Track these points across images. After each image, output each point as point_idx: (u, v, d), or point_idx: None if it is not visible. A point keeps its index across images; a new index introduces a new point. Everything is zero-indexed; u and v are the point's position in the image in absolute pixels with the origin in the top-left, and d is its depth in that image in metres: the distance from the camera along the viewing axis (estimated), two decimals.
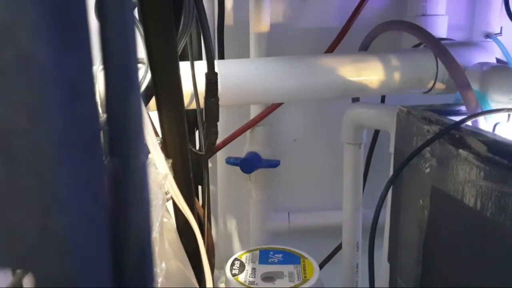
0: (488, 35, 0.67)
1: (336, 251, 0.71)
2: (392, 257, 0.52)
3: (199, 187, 0.55)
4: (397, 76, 0.52)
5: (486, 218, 0.34)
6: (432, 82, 0.52)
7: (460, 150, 0.37)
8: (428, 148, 0.41)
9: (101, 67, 0.10)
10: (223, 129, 0.69)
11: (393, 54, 0.53)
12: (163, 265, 0.28)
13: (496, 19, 0.67)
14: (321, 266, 0.71)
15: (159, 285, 0.27)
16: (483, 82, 0.43)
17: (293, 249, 0.58)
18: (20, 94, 0.08)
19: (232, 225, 0.76)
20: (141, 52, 0.40)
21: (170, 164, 0.40)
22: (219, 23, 0.62)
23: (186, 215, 0.38)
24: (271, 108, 0.65)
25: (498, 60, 0.59)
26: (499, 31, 0.66)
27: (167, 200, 0.39)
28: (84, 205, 0.08)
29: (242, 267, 0.54)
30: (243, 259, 0.56)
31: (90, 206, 0.08)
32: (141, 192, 0.10)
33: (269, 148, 0.68)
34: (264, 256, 0.56)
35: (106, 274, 0.09)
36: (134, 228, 0.09)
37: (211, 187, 0.71)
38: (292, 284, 0.50)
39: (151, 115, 0.52)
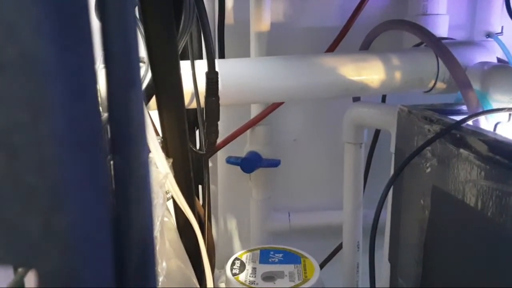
0: (489, 35, 0.66)
1: (337, 251, 0.71)
2: (393, 257, 0.52)
3: (200, 187, 0.55)
4: (398, 75, 0.52)
5: (487, 217, 0.34)
6: (433, 81, 0.52)
7: (461, 150, 0.37)
8: (429, 148, 0.41)
9: (102, 66, 0.10)
10: (224, 128, 0.69)
11: (394, 53, 0.53)
12: (164, 264, 0.28)
13: (497, 18, 0.67)
14: (321, 265, 0.71)
15: (159, 284, 0.27)
16: (484, 81, 0.43)
17: (293, 249, 0.57)
18: (22, 91, 0.07)
19: (232, 224, 0.76)
20: (142, 51, 0.40)
21: (170, 164, 0.40)
22: (219, 22, 0.62)
23: (186, 214, 0.38)
24: (272, 108, 0.65)
25: (499, 60, 0.59)
26: (500, 31, 0.66)
27: (168, 199, 0.39)
28: (87, 203, 0.08)
29: (242, 266, 0.54)
30: (244, 258, 0.56)
31: (92, 204, 0.08)
32: (143, 189, 0.10)
33: (270, 148, 0.68)
34: (264, 256, 0.56)
35: (108, 271, 0.09)
36: (136, 225, 0.09)
37: (211, 186, 0.71)
38: (292, 284, 0.50)
39: (151, 115, 0.53)
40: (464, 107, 0.45)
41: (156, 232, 0.28)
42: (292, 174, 0.73)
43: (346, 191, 0.65)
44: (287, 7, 0.67)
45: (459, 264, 0.38)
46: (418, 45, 0.59)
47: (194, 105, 0.47)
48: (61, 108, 0.08)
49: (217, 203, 0.75)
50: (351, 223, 0.66)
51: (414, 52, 0.55)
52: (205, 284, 0.42)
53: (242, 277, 0.51)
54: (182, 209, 0.38)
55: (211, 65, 0.40)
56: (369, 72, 0.52)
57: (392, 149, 0.51)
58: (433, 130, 0.41)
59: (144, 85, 0.41)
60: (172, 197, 0.39)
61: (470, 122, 0.39)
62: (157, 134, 0.44)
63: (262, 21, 0.62)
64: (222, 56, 0.64)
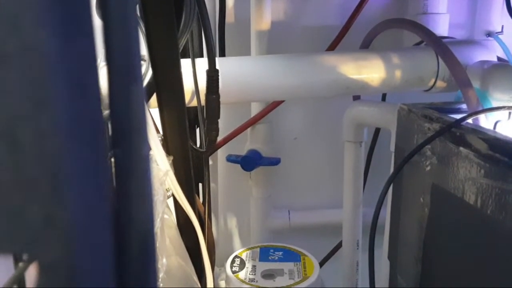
0: (489, 34, 0.66)
1: (337, 249, 0.72)
2: (392, 255, 0.52)
3: (200, 185, 0.55)
4: (398, 74, 0.52)
5: (486, 215, 0.34)
6: (433, 80, 0.52)
7: (461, 148, 0.37)
8: (428, 146, 0.41)
9: (103, 63, 0.10)
10: (224, 126, 0.69)
11: (394, 52, 0.53)
12: (164, 260, 0.28)
13: (497, 17, 0.67)
14: (321, 264, 0.71)
15: (159, 280, 0.27)
16: (484, 80, 0.43)
17: (293, 247, 0.58)
18: (24, 84, 0.08)
19: (232, 222, 0.76)
20: (142, 49, 0.40)
21: (171, 161, 0.40)
22: (220, 21, 0.62)
23: (186, 212, 0.38)
24: (272, 106, 0.65)
25: (499, 59, 0.59)
26: (500, 30, 0.66)
27: (168, 197, 0.39)
28: (88, 196, 0.08)
29: (242, 264, 0.54)
30: (244, 256, 0.56)
31: (93, 196, 0.08)
32: (144, 183, 0.10)
33: (270, 146, 0.68)
34: (264, 254, 0.56)
35: (108, 263, 0.09)
36: (137, 219, 0.09)
37: (211, 184, 0.71)
38: (292, 282, 0.50)
39: (152, 112, 0.53)
40: (464, 106, 0.45)
41: (156, 229, 0.28)
42: (292, 172, 0.73)
43: (346, 189, 0.65)
44: (288, 6, 0.67)
45: (459, 262, 0.38)
46: (418, 44, 0.59)
47: (194, 103, 0.47)
48: (63, 101, 0.08)
49: (217, 201, 0.75)
50: (350, 222, 0.66)
51: (414, 51, 0.55)
52: (205, 282, 0.42)
53: (242, 274, 0.51)
54: (182, 206, 0.38)
55: (211, 63, 0.40)
56: (370, 71, 0.52)
57: (392, 147, 0.52)
58: (433, 129, 0.41)
59: (144, 83, 0.41)
60: (173, 195, 0.39)
61: (470, 121, 0.39)
62: (158, 131, 0.44)
63: (262, 20, 0.62)
64: (222, 54, 0.64)
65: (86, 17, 0.08)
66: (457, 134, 0.38)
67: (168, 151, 0.42)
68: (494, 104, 0.42)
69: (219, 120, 0.43)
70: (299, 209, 0.74)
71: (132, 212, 0.09)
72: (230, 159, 0.67)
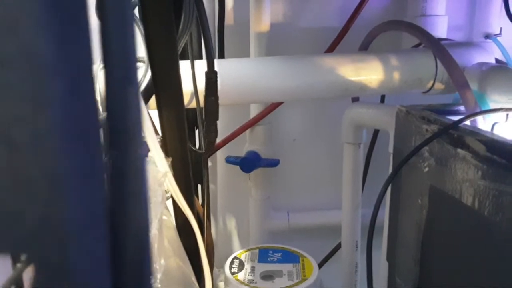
0: (487, 36, 0.67)
1: (336, 250, 0.72)
2: (391, 256, 0.52)
3: (199, 186, 0.55)
4: (396, 75, 0.52)
5: (483, 217, 0.34)
6: (432, 82, 0.53)
7: (459, 150, 0.37)
8: (426, 148, 0.41)
9: (101, 65, 0.10)
10: (223, 128, 0.69)
11: (392, 54, 0.53)
12: (162, 261, 0.28)
13: (496, 20, 0.67)
14: (320, 265, 0.71)
15: (158, 281, 0.27)
16: (481, 82, 0.43)
17: (292, 248, 0.58)
18: (22, 85, 0.08)
19: (231, 223, 0.76)
20: (141, 51, 0.40)
21: (170, 163, 0.40)
22: (219, 23, 0.62)
23: (185, 213, 0.38)
24: (271, 108, 0.65)
25: (497, 61, 0.59)
26: (498, 32, 0.67)
27: (167, 198, 0.39)
28: (84, 196, 0.08)
29: (241, 265, 0.54)
30: (243, 257, 0.56)
31: (89, 197, 0.09)
32: (139, 184, 0.10)
33: (269, 147, 0.68)
34: (263, 255, 0.57)
35: (104, 264, 0.09)
36: (132, 219, 0.10)
37: (211, 186, 0.71)
38: (291, 283, 0.50)
39: (151, 114, 0.53)
40: (462, 108, 0.45)
41: (155, 230, 0.28)
42: (292, 173, 0.73)
43: (345, 191, 0.65)
44: (287, 8, 0.68)
45: (456, 263, 0.39)
46: (417, 45, 0.59)
47: (194, 104, 0.48)
48: (60, 102, 0.08)
49: (216, 202, 0.75)
50: (350, 223, 0.66)
51: (413, 53, 0.55)
52: (204, 283, 0.42)
53: (241, 276, 0.51)
54: (181, 207, 0.38)
55: (210, 64, 0.40)
56: (368, 73, 0.52)
57: (391, 149, 0.52)
58: (430, 130, 0.41)
59: (143, 85, 0.42)
60: (172, 196, 0.39)
61: (467, 122, 0.39)
62: (157, 133, 0.44)
63: (261, 22, 0.62)
64: (222, 56, 0.64)
65: (82, 20, 0.08)
66: (455, 135, 0.38)
67: (167, 153, 0.42)
68: (492, 106, 0.42)
69: (218, 122, 0.44)
70: (298, 210, 0.74)
71: (127, 213, 0.09)
72: (229, 160, 0.67)
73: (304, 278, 0.50)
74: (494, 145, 0.33)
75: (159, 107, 0.40)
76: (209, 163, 0.68)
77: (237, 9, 0.67)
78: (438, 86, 0.53)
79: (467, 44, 0.57)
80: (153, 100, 0.41)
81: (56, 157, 0.08)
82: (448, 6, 0.65)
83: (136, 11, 0.38)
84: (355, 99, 0.65)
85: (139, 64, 0.46)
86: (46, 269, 0.08)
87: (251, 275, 0.51)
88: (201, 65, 0.47)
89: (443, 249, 0.40)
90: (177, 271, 0.37)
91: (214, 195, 0.75)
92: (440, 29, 0.63)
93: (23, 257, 0.09)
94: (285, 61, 0.52)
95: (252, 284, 0.49)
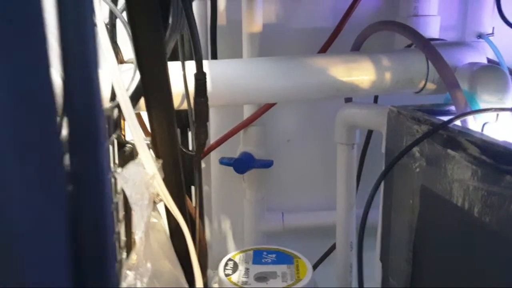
0: (480, 35, 0.67)
1: (330, 251, 0.72)
2: (384, 257, 0.52)
3: (192, 187, 0.55)
4: (388, 76, 0.52)
5: (473, 217, 0.34)
6: (423, 82, 0.53)
7: (449, 150, 0.37)
8: (417, 148, 0.41)
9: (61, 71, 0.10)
10: (217, 129, 0.69)
11: (384, 54, 0.53)
12: (149, 265, 0.28)
13: (488, 19, 0.67)
14: (315, 266, 0.71)
15: (144, 284, 0.27)
16: (472, 82, 0.43)
17: (287, 249, 0.58)
18: None
19: (226, 225, 0.76)
20: (130, 52, 0.40)
21: (160, 165, 0.40)
22: (211, 23, 0.62)
23: (175, 216, 0.38)
24: (264, 109, 0.65)
25: (489, 60, 0.59)
26: (491, 32, 0.67)
27: (160, 200, 0.39)
28: (40, 206, 0.08)
29: (235, 267, 0.54)
30: (237, 259, 0.56)
31: (46, 206, 0.08)
32: (100, 190, 0.10)
33: (263, 148, 0.68)
34: (257, 256, 0.56)
35: (62, 273, 0.09)
36: (93, 226, 0.09)
37: (205, 187, 0.71)
38: (285, 284, 0.50)
39: (142, 116, 0.53)
40: (453, 108, 0.45)
41: (141, 233, 0.28)
42: (286, 174, 0.73)
43: (339, 192, 0.65)
44: (279, 8, 0.68)
45: (448, 263, 0.38)
46: (410, 46, 0.59)
47: (185, 105, 0.47)
48: (7, 111, 0.08)
49: (210, 203, 0.75)
50: (344, 224, 0.66)
51: (404, 53, 0.55)
52: (195, 286, 0.42)
53: (234, 277, 0.51)
54: (171, 210, 0.38)
55: (199, 66, 0.40)
56: (360, 73, 0.52)
57: (383, 149, 0.52)
58: (421, 131, 0.41)
59: (132, 86, 0.41)
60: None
61: (458, 122, 0.39)
62: (148, 135, 0.44)
63: (254, 22, 0.62)
64: (214, 56, 0.64)
65: (36, 27, 0.08)
66: (445, 136, 0.38)
67: (157, 155, 0.42)
68: (482, 106, 0.42)
69: (211, 123, 0.43)
70: (292, 211, 0.74)
71: (88, 220, 0.09)
72: (223, 161, 0.67)
73: (298, 279, 0.50)
74: (483, 146, 0.33)
75: (149, 109, 0.40)
76: (203, 165, 0.68)
77: (229, 9, 0.67)
78: (430, 86, 0.53)
79: (459, 44, 0.57)
80: (142, 102, 0.40)
81: (6, 168, 0.08)
82: (441, 6, 0.65)
83: (124, 14, 0.37)
84: (348, 100, 0.65)
85: (128, 66, 0.46)
86: None
87: (245, 277, 0.51)
88: (193, 66, 0.47)
89: (434, 249, 0.40)
90: (168, 274, 0.37)
91: (208, 196, 0.74)
92: (433, 29, 0.63)
93: None
94: (276, 62, 0.52)
95: (246, 286, 0.49)
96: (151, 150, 0.40)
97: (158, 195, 0.37)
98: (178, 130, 0.54)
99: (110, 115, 0.37)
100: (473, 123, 0.39)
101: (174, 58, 0.49)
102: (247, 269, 0.53)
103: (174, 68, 0.47)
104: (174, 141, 0.41)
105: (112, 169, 0.38)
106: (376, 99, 0.65)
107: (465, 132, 0.36)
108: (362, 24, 0.61)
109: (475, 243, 0.34)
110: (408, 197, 0.44)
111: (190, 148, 0.57)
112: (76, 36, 0.09)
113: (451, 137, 0.37)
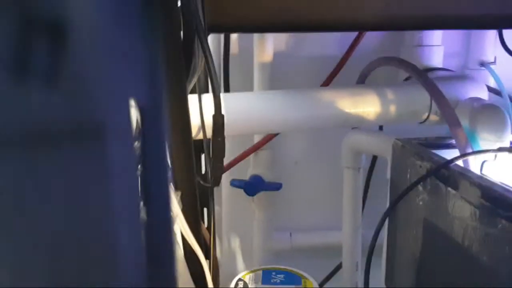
0: (482, 64, 0.69)
1: (336, 270, 0.74)
2: (389, 281, 0.54)
3: (205, 209, 0.57)
4: (392, 108, 0.55)
5: (472, 254, 0.37)
6: (427, 114, 0.55)
7: (449, 188, 0.40)
8: (421, 183, 0.44)
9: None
10: (228, 152, 0.72)
11: (388, 87, 0.56)
12: None
13: (491, 48, 0.69)
14: (321, 284, 0.73)
15: None
16: (472, 120, 0.45)
17: (294, 270, 0.60)
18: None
19: (236, 244, 0.79)
20: None
21: (179, 197, 0.43)
22: (224, 56, 0.65)
23: (192, 246, 0.40)
24: (274, 134, 0.68)
25: (490, 89, 0.61)
26: (493, 60, 0.69)
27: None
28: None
29: (245, 287, 0.56)
30: (247, 279, 0.58)
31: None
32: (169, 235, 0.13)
33: (272, 171, 0.71)
34: (266, 277, 0.59)
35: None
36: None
37: (216, 207, 0.74)
38: None
39: None
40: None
41: None
42: (294, 195, 0.76)
43: (345, 213, 0.68)
44: (289, 37, 0.70)
45: None
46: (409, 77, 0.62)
47: (200, 136, 0.50)
48: None
49: (221, 223, 0.78)
50: (350, 244, 0.68)
51: (408, 86, 0.58)
52: None
53: None
54: (187, 238, 0.41)
55: (217, 108, 0.43)
56: (365, 106, 0.55)
57: (388, 175, 0.54)
58: (424, 166, 0.44)
59: None
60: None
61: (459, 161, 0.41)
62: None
63: (265, 52, 0.65)
64: (227, 87, 0.67)
65: None
66: (446, 175, 0.40)
67: (176, 186, 0.45)
68: (482, 143, 0.44)
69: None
70: (300, 230, 0.77)
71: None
72: (234, 183, 0.70)
73: None
74: (482, 189, 0.36)
75: (168, 143, 0.43)
76: None
77: (241, 39, 0.70)
78: (433, 118, 0.55)
79: (460, 77, 0.59)
80: None
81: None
82: (444, 34, 0.67)
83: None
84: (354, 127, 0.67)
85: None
86: None
87: None
88: (208, 99, 0.50)
89: (437, 280, 0.43)
90: None
91: (219, 216, 0.77)
92: (436, 58, 0.66)
93: None
94: (287, 95, 0.55)
95: None
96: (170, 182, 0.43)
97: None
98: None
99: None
100: (473, 160, 0.42)
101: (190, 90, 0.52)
102: None
103: (190, 100, 0.50)
104: (191, 173, 0.44)
105: None
106: (381, 126, 0.68)
107: (465, 174, 0.38)
108: (368, 54, 0.64)
109: (474, 279, 0.36)
110: (412, 228, 0.47)
111: (203, 171, 0.59)
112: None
113: (451, 176, 0.40)
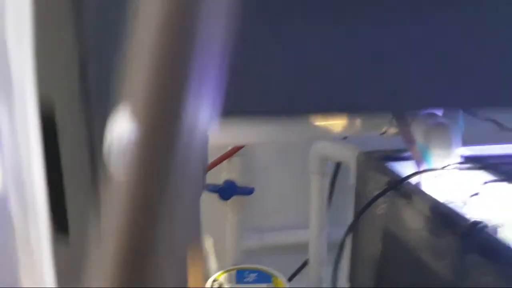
0: None
1: (303, 266, 0.80)
2: (351, 281, 0.60)
3: None
4: (357, 122, 0.60)
5: (425, 263, 0.42)
6: (386, 127, 0.61)
7: (406, 201, 0.45)
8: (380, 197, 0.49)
9: None
10: None
11: None
12: None
13: None
14: (290, 279, 0.79)
15: None
16: (426, 137, 0.51)
17: (266, 268, 0.65)
18: None
19: (209, 244, 0.83)
20: None
21: None
22: None
23: None
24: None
25: None
26: None
27: None
28: None
29: (220, 287, 0.60)
30: (221, 279, 0.62)
31: None
32: None
33: (244, 176, 0.75)
34: (240, 276, 0.63)
35: None
36: None
37: None
38: None
39: None
40: None
41: None
42: (265, 197, 0.80)
43: (312, 214, 0.73)
44: None
45: None
46: None
47: None
48: None
49: None
50: (316, 242, 0.74)
51: None
52: None
53: None
54: None
55: None
56: (333, 119, 0.59)
57: (352, 180, 0.59)
58: (383, 181, 0.49)
59: None
60: None
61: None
62: None
63: None
64: None
65: None
66: (403, 189, 0.46)
67: None
68: (434, 159, 0.50)
69: None
70: (270, 230, 0.82)
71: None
72: (209, 188, 0.73)
73: None
74: (431, 205, 0.41)
75: None
76: None
77: None
78: (392, 130, 0.61)
79: None
80: None
81: None
82: None
83: None
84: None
85: None
86: None
87: None
88: None
89: (394, 282, 0.49)
90: None
91: None
92: None
93: None
94: None
95: None
96: None
97: None
98: None
99: None
100: (425, 176, 0.48)
101: None
102: None
103: None
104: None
105: None
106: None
107: (418, 190, 0.44)
108: None
109: (424, 284, 0.42)
110: (373, 233, 0.52)
111: None
112: None
113: (407, 191, 0.45)
